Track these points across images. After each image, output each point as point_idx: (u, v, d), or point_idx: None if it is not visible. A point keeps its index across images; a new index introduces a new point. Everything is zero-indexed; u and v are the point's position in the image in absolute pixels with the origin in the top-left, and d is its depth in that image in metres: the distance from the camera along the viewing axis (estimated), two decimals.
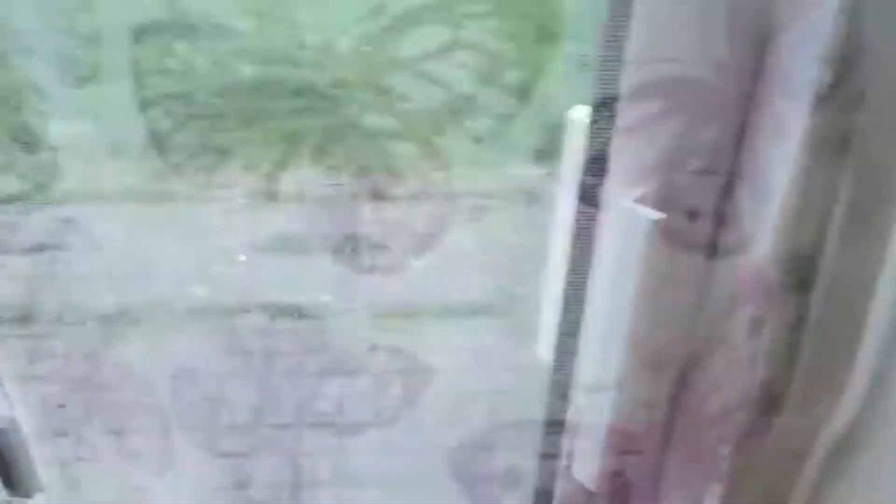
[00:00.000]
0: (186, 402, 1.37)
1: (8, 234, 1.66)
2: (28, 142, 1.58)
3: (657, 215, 0.45)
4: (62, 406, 1.38)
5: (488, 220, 1.79)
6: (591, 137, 0.48)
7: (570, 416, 0.50)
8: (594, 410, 0.48)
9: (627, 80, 0.43)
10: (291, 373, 1.48)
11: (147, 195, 1.74)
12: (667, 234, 0.45)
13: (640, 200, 0.46)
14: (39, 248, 1.63)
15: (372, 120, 1.83)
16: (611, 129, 0.47)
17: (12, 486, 0.58)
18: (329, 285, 1.70)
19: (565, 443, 0.51)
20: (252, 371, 1.47)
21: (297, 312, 1.70)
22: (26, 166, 1.58)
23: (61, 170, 1.59)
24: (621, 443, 0.49)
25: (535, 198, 1.81)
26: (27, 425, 0.58)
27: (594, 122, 0.48)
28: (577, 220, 0.50)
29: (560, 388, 0.52)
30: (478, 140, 1.79)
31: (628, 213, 0.46)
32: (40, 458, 0.59)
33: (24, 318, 1.51)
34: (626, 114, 0.46)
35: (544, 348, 0.58)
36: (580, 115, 0.52)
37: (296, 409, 1.44)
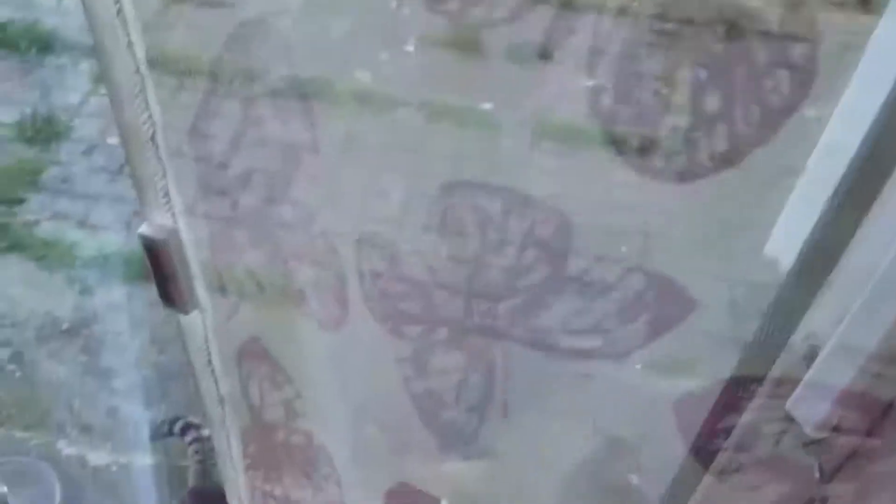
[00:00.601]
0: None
1: None
2: None
3: None
4: (224, 165, 1.39)
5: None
6: None
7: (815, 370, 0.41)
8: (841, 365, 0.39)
9: None
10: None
11: None
12: None
13: None
14: (217, 4, 1.59)
15: None
16: None
17: (171, 300, 0.56)
18: (495, 91, 1.60)
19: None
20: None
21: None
22: None
23: None
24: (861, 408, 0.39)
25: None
26: (190, 240, 0.54)
27: None
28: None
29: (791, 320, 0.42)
30: None
31: None
32: (201, 278, 0.56)
33: (195, 72, 1.50)
34: None
35: (775, 249, 0.47)
36: None
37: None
